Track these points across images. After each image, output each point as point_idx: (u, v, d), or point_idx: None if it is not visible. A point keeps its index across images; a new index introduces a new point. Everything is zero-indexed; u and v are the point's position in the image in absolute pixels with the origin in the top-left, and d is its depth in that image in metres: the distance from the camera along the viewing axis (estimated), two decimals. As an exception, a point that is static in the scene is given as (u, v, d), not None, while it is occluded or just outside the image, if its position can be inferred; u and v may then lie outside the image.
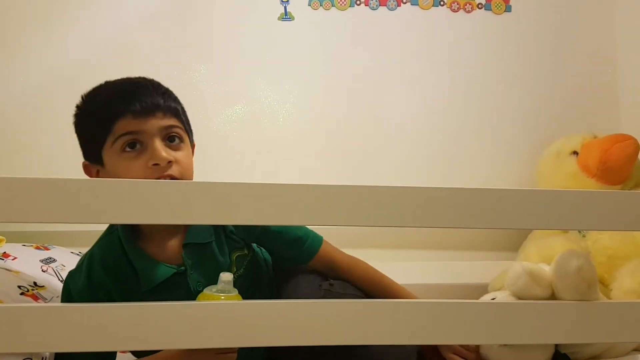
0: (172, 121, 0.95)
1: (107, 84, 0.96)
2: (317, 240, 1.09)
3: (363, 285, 1.08)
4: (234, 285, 0.88)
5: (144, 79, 0.98)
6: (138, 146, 0.91)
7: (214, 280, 0.89)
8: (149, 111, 0.91)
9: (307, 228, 1.09)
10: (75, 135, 0.98)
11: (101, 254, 0.98)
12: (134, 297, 0.94)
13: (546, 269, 0.97)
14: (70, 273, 0.99)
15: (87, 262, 0.97)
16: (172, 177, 0.92)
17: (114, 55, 1.74)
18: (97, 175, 0.95)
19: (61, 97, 1.66)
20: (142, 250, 0.97)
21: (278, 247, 1.08)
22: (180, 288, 0.96)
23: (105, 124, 0.91)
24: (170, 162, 0.92)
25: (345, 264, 1.10)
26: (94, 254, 0.98)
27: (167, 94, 0.97)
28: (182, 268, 0.97)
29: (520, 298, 0.99)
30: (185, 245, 0.99)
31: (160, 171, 0.91)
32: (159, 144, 0.91)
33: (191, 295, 0.96)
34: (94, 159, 0.95)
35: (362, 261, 1.12)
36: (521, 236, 1.67)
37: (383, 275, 1.12)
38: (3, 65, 1.72)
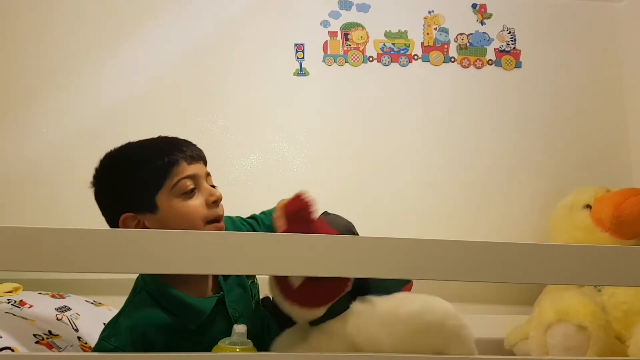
0: (207, 170, 1.06)
1: (142, 141, 1.03)
2: None
3: None
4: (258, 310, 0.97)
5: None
6: (194, 189, 0.99)
7: (245, 306, 0.98)
8: (198, 158, 1.02)
9: None
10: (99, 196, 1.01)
11: (142, 323, 0.95)
12: (179, 343, 0.95)
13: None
14: (103, 337, 0.94)
15: (129, 333, 0.93)
16: (220, 217, 1.01)
17: (136, 107, 1.80)
18: (138, 225, 0.97)
19: (85, 151, 1.72)
20: (180, 293, 0.98)
21: None
22: (221, 317, 1.00)
23: (163, 170, 0.97)
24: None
25: None
26: (136, 327, 0.94)
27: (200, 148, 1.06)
28: (221, 294, 1.02)
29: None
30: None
31: (217, 209, 1.01)
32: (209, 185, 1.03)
33: (231, 322, 0.98)
34: (144, 208, 0.97)
35: None
36: (536, 290, 1.65)
37: None
38: (28, 120, 1.78)
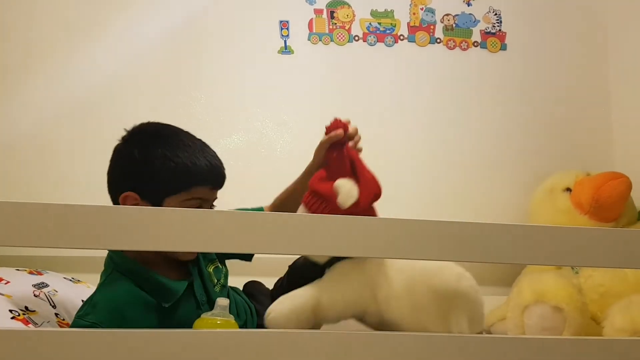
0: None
1: (191, 140, 1.04)
2: None
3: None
4: (220, 294, 1.03)
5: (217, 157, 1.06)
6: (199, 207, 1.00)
7: (207, 293, 1.02)
8: (220, 187, 1.05)
9: None
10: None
11: (118, 299, 0.96)
12: (153, 319, 0.96)
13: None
14: (79, 315, 0.95)
15: (106, 309, 0.94)
16: None
17: (120, 85, 1.77)
18: None
19: (67, 129, 1.71)
20: (156, 273, 1.00)
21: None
22: (190, 300, 1.02)
23: (188, 182, 0.99)
24: None
25: None
26: (112, 303, 0.95)
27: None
28: (191, 278, 1.04)
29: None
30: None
31: None
32: None
33: (199, 306, 1.02)
34: (150, 198, 0.98)
35: None
36: (515, 272, 1.67)
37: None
38: (12, 96, 1.74)
